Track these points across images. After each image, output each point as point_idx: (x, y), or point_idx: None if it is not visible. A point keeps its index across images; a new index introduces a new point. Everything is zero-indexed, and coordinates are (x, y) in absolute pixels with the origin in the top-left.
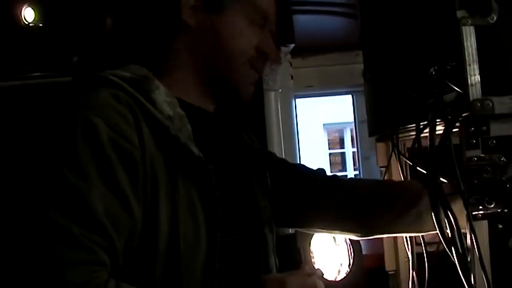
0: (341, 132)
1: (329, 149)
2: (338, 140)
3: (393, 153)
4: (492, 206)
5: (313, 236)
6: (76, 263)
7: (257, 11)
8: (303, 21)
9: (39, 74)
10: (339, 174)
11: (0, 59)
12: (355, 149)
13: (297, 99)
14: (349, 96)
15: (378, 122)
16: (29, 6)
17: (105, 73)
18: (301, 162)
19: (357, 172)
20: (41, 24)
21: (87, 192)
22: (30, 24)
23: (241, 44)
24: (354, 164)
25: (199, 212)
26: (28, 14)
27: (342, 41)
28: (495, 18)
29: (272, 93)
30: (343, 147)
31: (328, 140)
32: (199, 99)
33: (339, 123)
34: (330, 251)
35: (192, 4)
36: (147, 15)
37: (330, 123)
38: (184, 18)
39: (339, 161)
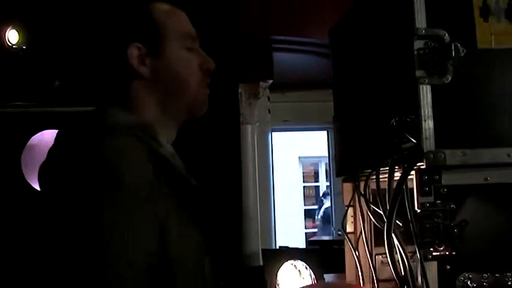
0: (316, 166)
1: (303, 182)
2: (313, 174)
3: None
4: (442, 248)
5: (280, 269)
6: None
7: (186, 36)
8: (283, 59)
9: (20, 103)
10: (312, 207)
11: None
12: (329, 183)
13: (274, 132)
14: (325, 132)
15: (344, 165)
16: (14, 28)
17: (113, 121)
18: (275, 194)
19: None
20: (24, 47)
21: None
22: (14, 46)
23: (190, 71)
24: None
25: (195, 230)
26: (12, 36)
27: (318, 79)
28: (450, 78)
29: (249, 127)
30: (317, 181)
31: (303, 173)
32: (166, 131)
33: (315, 157)
34: (295, 283)
35: (137, 54)
36: (102, 65)
37: (306, 157)
38: (135, 67)
39: (313, 194)
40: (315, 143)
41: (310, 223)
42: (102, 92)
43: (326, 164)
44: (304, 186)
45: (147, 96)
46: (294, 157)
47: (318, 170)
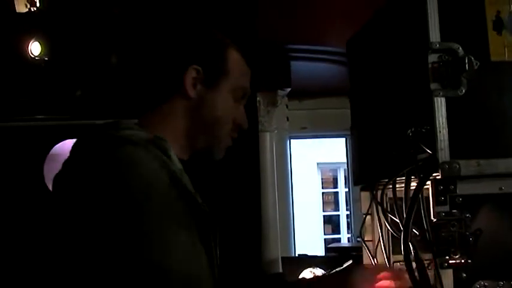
0: (335, 172)
1: (322, 188)
2: (331, 180)
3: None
4: (457, 256)
5: (299, 276)
6: None
7: (241, 89)
8: (300, 67)
9: (42, 116)
10: (332, 213)
11: (6, 92)
12: (347, 189)
13: (293, 139)
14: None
15: (362, 173)
16: (36, 40)
17: (125, 134)
18: (294, 201)
19: (348, 212)
20: (46, 58)
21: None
22: (36, 58)
23: (227, 117)
24: (347, 204)
25: (203, 254)
26: (35, 48)
27: (335, 86)
28: (464, 91)
29: (267, 134)
30: (336, 187)
31: (322, 179)
32: (180, 150)
33: (333, 163)
34: None
35: (194, 76)
36: (151, 76)
37: (324, 163)
38: (186, 85)
39: (331, 200)
40: (334, 149)
41: (329, 229)
42: (140, 96)
43: (345, 170)
44: (323, 193)
45: (182, 114)
46: (313, 163)
47: (336, 176)
